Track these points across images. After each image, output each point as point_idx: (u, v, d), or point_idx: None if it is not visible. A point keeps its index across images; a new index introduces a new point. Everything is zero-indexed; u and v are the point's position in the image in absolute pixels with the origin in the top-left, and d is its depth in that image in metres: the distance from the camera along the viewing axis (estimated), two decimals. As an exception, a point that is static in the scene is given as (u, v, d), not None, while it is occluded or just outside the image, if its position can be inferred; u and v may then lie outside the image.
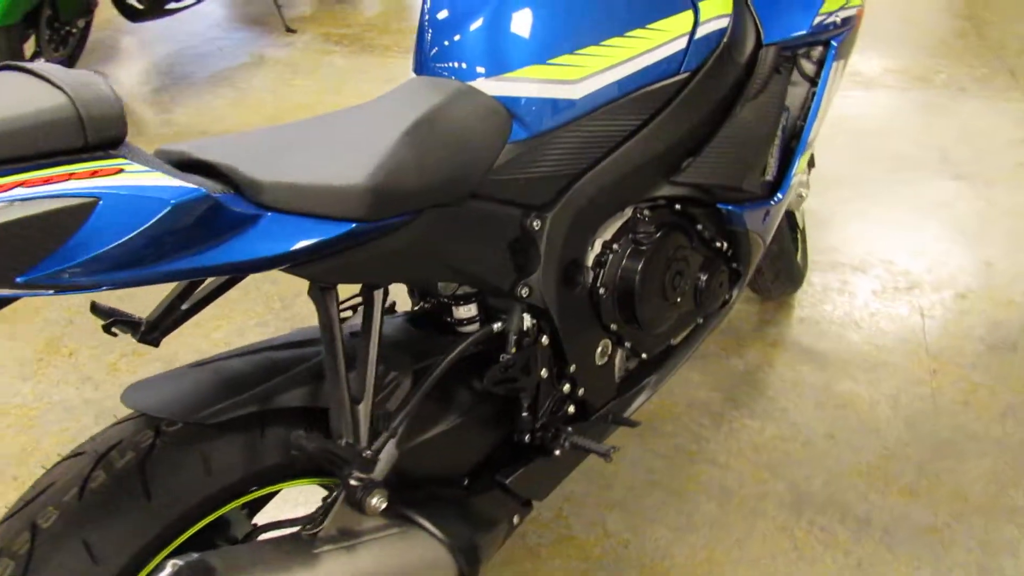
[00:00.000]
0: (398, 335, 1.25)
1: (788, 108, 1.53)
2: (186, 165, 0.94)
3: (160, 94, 3.81)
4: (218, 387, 1.02)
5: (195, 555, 0.85)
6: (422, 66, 1.24)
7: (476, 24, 1.17)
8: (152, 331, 1.12)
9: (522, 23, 1.17)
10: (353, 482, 0.96)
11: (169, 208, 0.71)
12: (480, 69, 1.16)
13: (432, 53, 1.22)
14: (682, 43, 1.28)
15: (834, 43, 1.54)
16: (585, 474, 1.82)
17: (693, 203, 1.39)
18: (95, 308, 1.12)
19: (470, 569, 1.05)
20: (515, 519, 1.28)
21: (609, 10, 1.20)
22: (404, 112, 1.09)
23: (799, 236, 2.24)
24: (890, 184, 2.98)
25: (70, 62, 3.67)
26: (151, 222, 0.70)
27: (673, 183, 1.34)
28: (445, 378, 1.18)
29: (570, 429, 1.29)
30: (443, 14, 1.21)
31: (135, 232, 0.70)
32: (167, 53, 4.28)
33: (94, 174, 0.70)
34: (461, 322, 1.27)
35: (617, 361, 1.45)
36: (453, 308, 1.26)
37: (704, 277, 1.46)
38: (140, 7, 3.75)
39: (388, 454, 1.10)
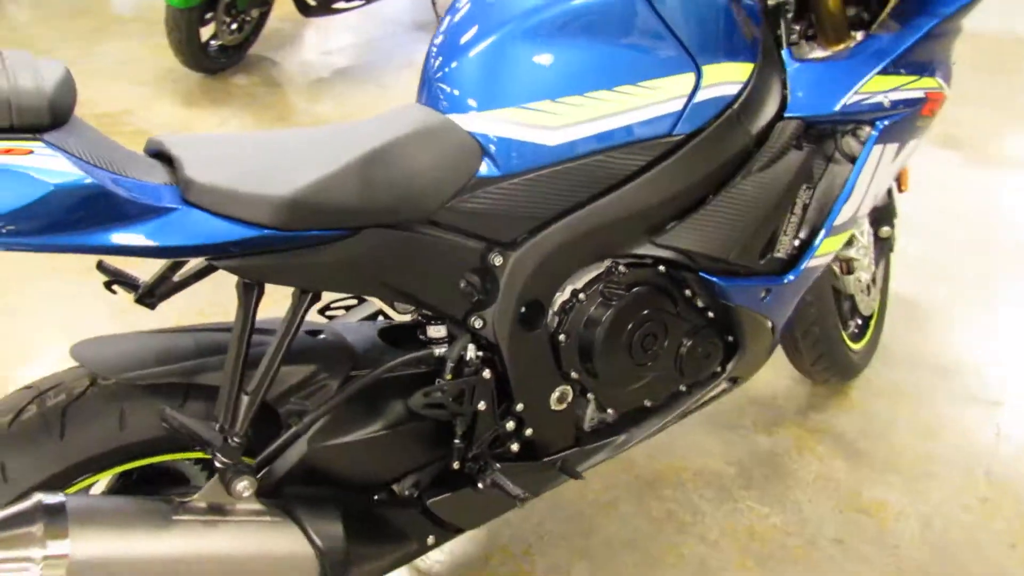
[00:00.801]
0: (356, 340, 1.31)
1: (813, 185, 1.44)
2: (159, 155, 1.07)
3: (313, 85, 4.13)
4: (158, 355, 1.12)
5: (59, 495, 0.96)
6: (419, 94, 1.30)
7: (464, 59, 1.21)
8: (149, 295, 1.25)
9: (505, 64, 1.20)
10: (218, 464, 1.03)
11: (50, 190, 0.82)
12: (461, 103, 1.20)
13: (426, 82, 1.27)
14: (677, 105, 1.25)
15: (879, 125, 1.44)
16: (570, 517, 1.80)
17: (680, 267, 1.36)
18: (100, 266, 1.26)
19: (334, 573, 1.10)
20: (430, 540, 1.30)
21: (597, 62, 1.20)
22: (371, 134, 1.16)
23: (872, 321, 2.08)
24: (1006, 281, 2.69)
25: (243, 47, 4.07)
26: (34, 199, 0.81)
27: (654, 243, 1.31)
28: (381, 390, 1.24)
29: (498, 465, 1.29)
30: (441, 45, 1.27)
31: (20, 206, 0.81)
32: (333, 48, 4.63)
33: (7, 152, 0.82)
34: (431, 341, 1.32)
35: (585, 412, 1.44)
36: (425, 325, 1.31)
37: (687, 344, 1.41)
38: (312, 3, 4.08)
39: (298, 449, 1.17)
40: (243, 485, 1.04)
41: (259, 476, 1.14)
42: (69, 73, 0.95)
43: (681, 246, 1.31)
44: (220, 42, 3.89)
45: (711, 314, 1.43)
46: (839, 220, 1.46)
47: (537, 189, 1.21)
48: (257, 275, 1.06)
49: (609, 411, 1.44)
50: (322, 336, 1.28)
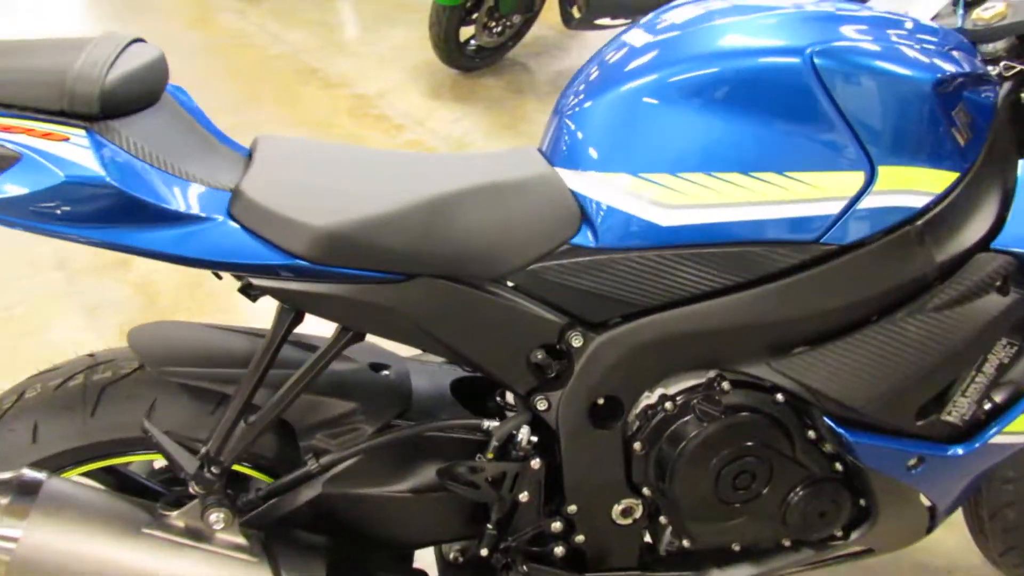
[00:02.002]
0: (421, 385, 1.21)
1: (1018, 342, 1.09)
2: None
3: (531, 98, 4.07)
4: (208, 353, 1.10)
5: (42, 474, 0.96)
6: (543, 137, 1.16)
7: (588, 108, 1.06)
8: (251, 286, 1.25)
9: (627, 123, 1.02)
10: (192, 491, 0.98)
11: (60, 182, 0.80)
12: (573, 158, 1.05)
13: (549, 126, 1.13)
14: (833, 208, 0.99)
15: None
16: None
17: (804, 402, 1.09)
18: None
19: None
20: None
21: (737, 140, 0.99)
22: (462, 175, 1.05)
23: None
24: None
25: (500, 50, 4.14)
26: (45, 187, 0.80)
27: (772, 367, 1.06)
28: (419, 448, 1.13)
29: (528, 567, 1.13)
30: (575, 86, 1.12)
31: (37, 190, 0.80)
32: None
33: (45, 135, 0.82)
34: (506, 407, 1.19)
35: (659, 535, 1.22)
36: (505, 389, 1.18)
37: (798, 494, 1.14)
38: (576, 16, 4.05)
39: (312, 490, 1.09)
40: (216, 518, 0.98)
41: (264, 507, 1.08)
42: (157, 61, 0.95)
43: (804, 379, 1.05)
44: (478, 43, 3.99)
45: (839, 467, 1.14)
46: (1047, 401, 1.10)
47: (637, 272, 1.03)
48: (292, 302, 0.99)
49: (683, 542, 1.21)
50: (384, 373, 1.20)
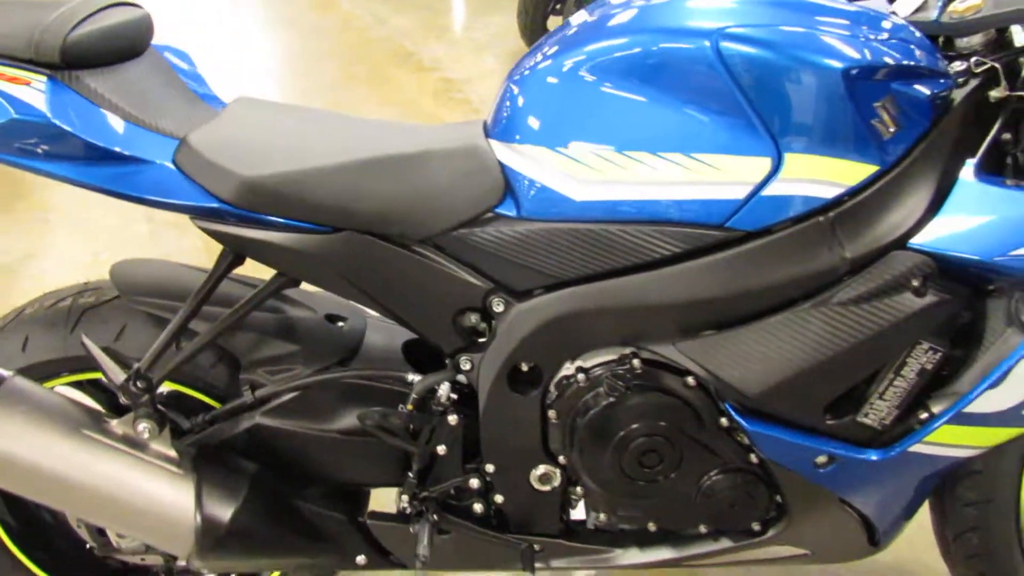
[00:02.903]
0: (373, 340, 1.29)
1: (942, 348, 1.04)
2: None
3: None
4: (179, 289, 1.23)
5: (10, 373, 1.11)
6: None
7: (520, 84, 1.10)
8: None
9: (549, 99, 1.06)
10: (122, 401, 1.10)
11: (9, 118, 0.94)
12: (504, 130, 1.10)
13: (495, 101, 1.19)
14: (738, 192, 0.99)
15: None
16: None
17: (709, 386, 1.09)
18: None
19: (204, 546, 1.11)
20: (359, 559, 1.25)
21: (647, 119, 1.00)
22: (402, 141, 1.12)
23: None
24: None
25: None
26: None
27: (677, 348, 1.07)
28: (350, 395, 1.21)
29: (435, 516, 1.19)
30: (519, 63, 1.16)
31: None
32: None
33: (11, 79, 0.96)
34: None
35: (584, 507, 1.26)
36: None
37: (710, 480, 1.14)
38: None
39: (249, 420, 1.20)
40: (143, 428, 1.11)
41: (209, 430, 1.20)
42: (135, 20, 1.08)
43: (704, 363, 1.06)
44: (564, 16, 4.04)
45: (754, 458, 1.14)
46: (975, 408, 1.05)
47: (555, 244, 1.07)
48: (229, 244, 1.10)
49: (599, 514, 1.24)
50: (339, 325, 1.29)
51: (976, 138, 1.05)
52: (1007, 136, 1.09)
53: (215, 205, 1.05)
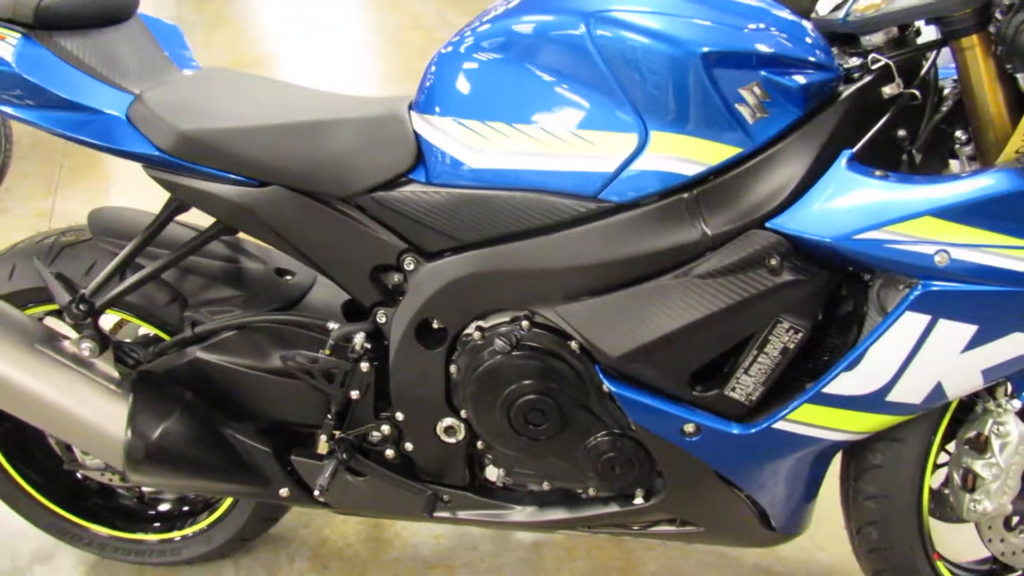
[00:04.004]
0: (317, 295, 1.41)
1: (802, 328, 1.08)
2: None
3: None
4: (140, 231, 1.38)
5: None
6: None
7: (436, 59, 1.20)
8: None
9: (453, 74, 1.16)
10: (66, 320, 1.26)
11: None
12: (421, 102, 1.20)
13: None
14: (608, 165, 1.07)
15: (923, 287, 1.01)
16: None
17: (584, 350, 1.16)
18: None
19: (131, 457, 1.25)
20: (282, 491, 1.36)
21: (528, 94, 1.09)
22: (329, 109, 1.24)
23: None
24: None
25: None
26: None
27: (558, 313, 1.15)
28: (280, 339, 1.34)
29: (345, 456, 1.30)
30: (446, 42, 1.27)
31: None
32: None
33: None
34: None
35: (487, 462, 1.34)
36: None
37: (594, 442, 1.21)
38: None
39: (189, 353, 1.34)
40: (85, 346, 1.26)
41: (155, 361, 1.35)
42: None
43: (578, 327, 1.13)
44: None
45: (633, 424, 1.20)
46: (834, 389, 1.08)
47: (456, 209, 1.17)
48: (172, 191, 1.24)
49: (509, 473, 1.32)
50: (287, 278, 1.42)
51: (861, 131, 1.09)
52: (903, 133, 1.12)
53: (156, 154, 1.19)
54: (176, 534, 1.59)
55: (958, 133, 1.07)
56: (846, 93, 1.09)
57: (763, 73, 1.04)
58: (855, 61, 1.13)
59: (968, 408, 1.28)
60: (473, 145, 1.13)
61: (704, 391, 1.13)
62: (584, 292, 1.13)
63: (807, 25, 1.12)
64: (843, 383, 1.08)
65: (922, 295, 1.02)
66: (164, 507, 1.64)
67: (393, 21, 5.25)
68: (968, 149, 1.07)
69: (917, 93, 1.09)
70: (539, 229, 1.13)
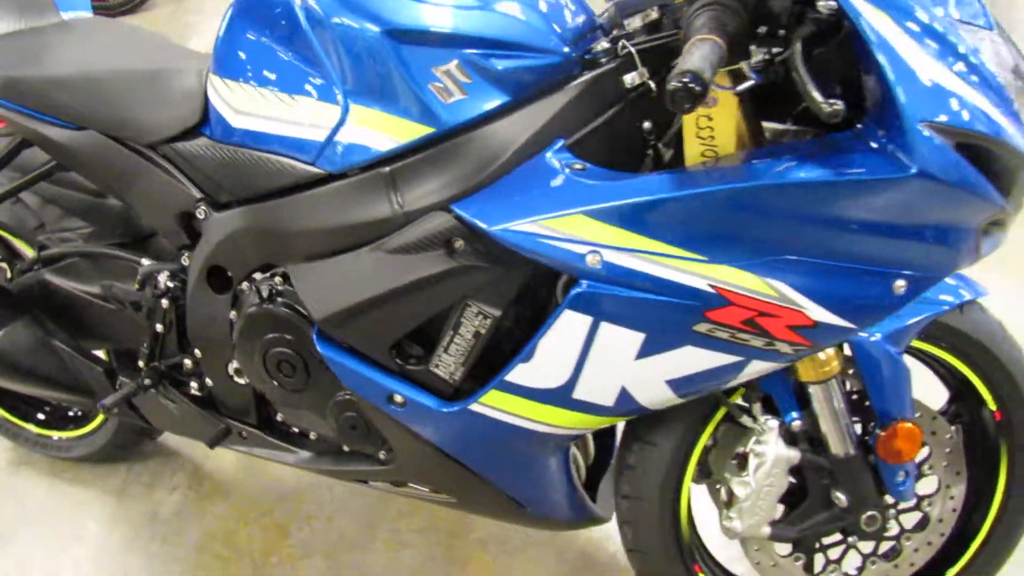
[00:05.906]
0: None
1: (490, 316, 1.06)
2: None
3: None
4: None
5: None
6: None
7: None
8: None
9: (227, 37, 1.21)
10: None
11: None
12: (213, 61, 1.27)
13: None
14: (319, 135, 1.10)
15: (581, 287, 0.97)
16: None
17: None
18: None
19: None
20: (107, 400, 1.51)
21: (257, 55, 1.15)
22: (146, 60, 1.35)
23: None
24: None
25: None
26: None
27: (290, 272, 1.20)
28: (112, 270, 1.48)
29: (148, 381, 1.43)
30: None
31: None
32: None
33: None
34: None
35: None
36: None
37: (338, 399, 1.25)
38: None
39: (38, 274, 1.51)
40: None
41: (23, 277, 1.54)
42: None
43: (297, 286, 1.18)
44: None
45: None
46: (516, 379, 1.07)
47: (225, 164, 1.24)
48: (13, 129, 1.40)
49: (279, 415, 1.40)
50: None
51: (589, 119, 1.06)
52: (648, 126, 1.07)
53: None
54: (64, 434, 1.81)
55: (646, 125, 1.02)
56: (579, 80, 1.06)
57: (465, 54, 1.03)
58: (605, 46, 1.08)
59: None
60: (233, 104, 1.20)
61: (415, 364, 1.15)
62: (311, 255, 1.18)
63: (549, 5, 1.09)
64: (522, 374, 1.06)
65: (578, 295, 0.98)
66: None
67: None
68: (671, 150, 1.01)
69: (652, 85, 1.03)
70: (281, 190, 1.18)
